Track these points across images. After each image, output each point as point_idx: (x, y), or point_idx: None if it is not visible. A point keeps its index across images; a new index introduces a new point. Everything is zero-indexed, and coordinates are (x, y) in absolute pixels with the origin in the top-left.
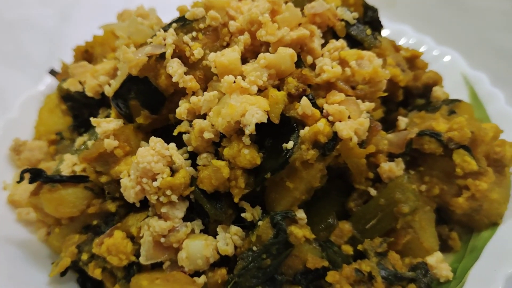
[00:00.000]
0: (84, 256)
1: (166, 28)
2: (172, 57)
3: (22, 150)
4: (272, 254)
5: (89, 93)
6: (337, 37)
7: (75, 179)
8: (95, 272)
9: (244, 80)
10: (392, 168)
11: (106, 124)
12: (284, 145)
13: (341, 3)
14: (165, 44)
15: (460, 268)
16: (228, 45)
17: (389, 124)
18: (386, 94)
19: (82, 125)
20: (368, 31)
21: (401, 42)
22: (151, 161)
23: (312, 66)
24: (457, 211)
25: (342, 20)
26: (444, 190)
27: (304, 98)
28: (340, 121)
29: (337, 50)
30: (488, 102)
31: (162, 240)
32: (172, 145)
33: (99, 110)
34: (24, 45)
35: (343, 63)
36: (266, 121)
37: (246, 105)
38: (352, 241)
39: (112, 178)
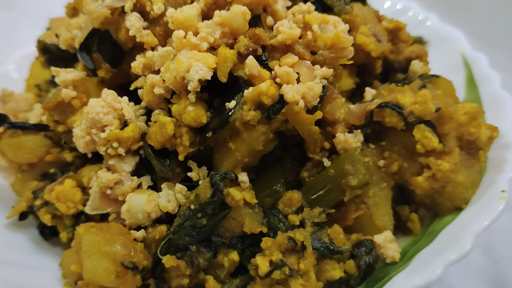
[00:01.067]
0: (38, 202)
1: None
2: (133, 11)
3: (8, 101)
4: (207, 214)
5: (62, 46)
6: (307, 1)
7: (36, 127)
8: (45, 218)
9: (196, 36)
10: (348, 139)
11: (65, 74)
12: (227, 104)
13: None
14: None
15: (412, 250)
16: (192, 2)
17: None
18: (350, 62)
19: None
20: None
21: (406, 17)
22: (100, 112)
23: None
24: (416, 191)
25: None
26: (404, 167)
27: (250, 57)
28: (287, 84)
29: (302, 13)
30: (483, 84)
31: (108, 191)
32: (125, 98)
33: (74, 63)
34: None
35: (307, 27)
36: (209, 78)
37: (192, 61)
38: (302, 211)
39: (68, 128)
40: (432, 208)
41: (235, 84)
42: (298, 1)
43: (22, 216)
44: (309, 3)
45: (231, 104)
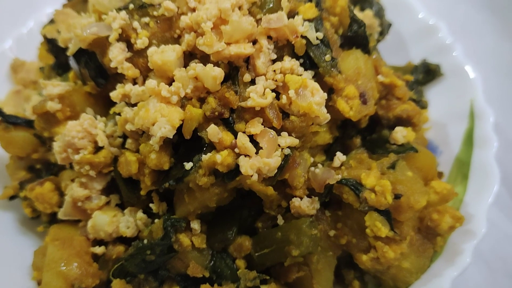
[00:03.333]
0: (22, 194)
1: (123, 7)
2: (120, 39)
3: (20, 71)
4: (155, 252)
5: (61, 44)
6: (294, 54)
7: (28, 124)
8: (26, 210)
9: (170, 85)
10: (302, 206)
11: (52, 87)
12: (184, 163)
13: (317, 14)
14: None
15: None
16: (179, 37)
17: (345, 148)
18: (322, 129)
19: (59, 67)
20: (328, 57)
21: (435, 38)
22: (75, 136)
23: (252, 82)
24: (360, 265)
25: (304, 37)
26: (352, 243)
27: (212, 126)
28: (245, 156)
29: (284, 72)
30: (479, 147)
31: (79, 204)
32: (101, 125)
33: None
34: None
35: (285, 87)
36: (171, 137)
37: (158, 115)
38: (250, 257)
39: (52, 136)
40: (375, 279)
41: (198, 141)
42: (286, 53)
43: (11, 197)
44: (293, 61)
45: (188, 165)
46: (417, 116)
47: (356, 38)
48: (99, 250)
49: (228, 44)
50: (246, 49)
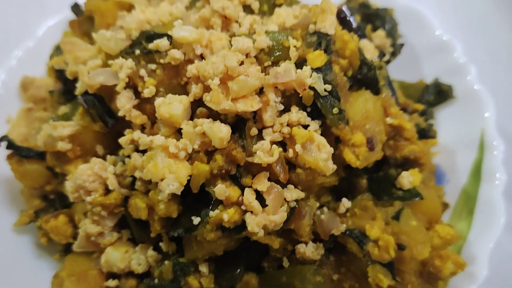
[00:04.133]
0: (38, 223)
1: (129, 51)
2: (127, 86)
3: (30, 88)
4: None
5: (69, 76)
6: (302, 103)
7: (40, 157)
8: (42, 240)
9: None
10: (306, 252)
11: (62, 129)
12: (193, 217)
13: (326, 60)
14: None
15: None
16: (187, 84)
17: (350, 187)
18: (326, 180)
19: (68, 93)
20: (335, 110)
21: (450, 57)
22: (86, 180)
23: (260, 132)
24: None
25: (312, 87)
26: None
27: (219, 186)
28: (251, 213)
29: (291, 124)
30: (486, 182)
31: (93, 238)
32: (111, 168)
33: None
34: None
35: (292, 140)
36: (179, 193)
37: (166, 171)
38: None
39: (64, 172)
40: None
41: (206, 195)
42: (293, 102)
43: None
44: (300, 113)
45: (196, 220)
46: (424, 158)
47: (366, 80)
48: (112, 283)
49: (235, 99)
50: (253, 106)
